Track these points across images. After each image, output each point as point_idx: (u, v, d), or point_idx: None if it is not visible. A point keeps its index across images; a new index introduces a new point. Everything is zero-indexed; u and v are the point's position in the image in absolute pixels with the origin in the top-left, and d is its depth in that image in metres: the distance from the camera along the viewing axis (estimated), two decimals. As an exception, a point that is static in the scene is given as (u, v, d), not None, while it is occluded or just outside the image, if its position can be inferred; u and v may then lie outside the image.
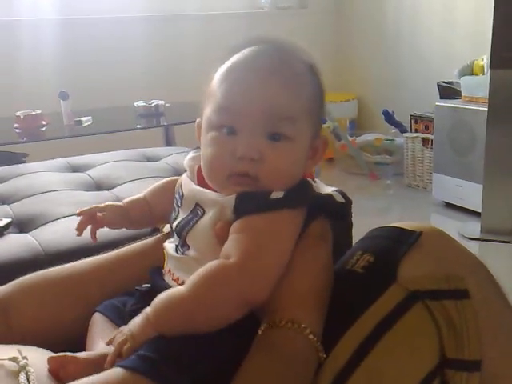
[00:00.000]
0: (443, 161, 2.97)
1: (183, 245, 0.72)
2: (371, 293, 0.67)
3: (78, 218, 0.83)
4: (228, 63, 0.71)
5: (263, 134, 0.67)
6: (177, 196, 0.77)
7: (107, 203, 0.84)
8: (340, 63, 4.08)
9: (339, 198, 0.70)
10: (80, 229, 0.82)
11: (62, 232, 1.27)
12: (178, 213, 0.75)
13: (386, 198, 3.32)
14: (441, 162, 2.99)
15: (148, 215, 0.84)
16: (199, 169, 0.74)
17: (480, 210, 2.65)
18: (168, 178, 0.85)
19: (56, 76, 3.08)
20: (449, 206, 2.99)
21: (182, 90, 3.09)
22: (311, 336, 0.63)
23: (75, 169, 1.83)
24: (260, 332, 0.64)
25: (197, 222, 0.71)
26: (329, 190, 0.72)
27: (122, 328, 0.66)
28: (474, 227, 2.64)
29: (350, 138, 3.65)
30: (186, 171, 0.78)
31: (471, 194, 2.81)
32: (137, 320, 0.64)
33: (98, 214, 0.82)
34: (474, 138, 2.77)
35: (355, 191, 3.21)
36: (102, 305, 0.77)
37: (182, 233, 0.72)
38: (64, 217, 1.36)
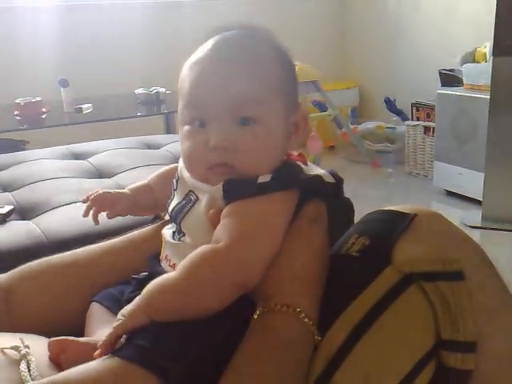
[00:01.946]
0: (444, 149, 2.97)
1: (179, 231, 0.72)
2: (366, 275, 0.66)
3: (82, 206, 0.83)
4: (193, 57, 0.72)
5: (232, 121, 0.68)
6: (174, 181, 0.77)
7: (117, 191, 0.85)
8: (341, 51, 4.06)
9: (328, 179, 0.70)
10: (86, 214, 0.84)
11: (64, 219, 1.27)
12: (174, 196, 0.76)
13: (388, 186, 3.31)
14: (442, 150, 2.99)
15: (153, 201, 0.85)
16: None
17: (481, 199, 2.65)
18: (171, 165, 0.85)
19: (56, 63, 3.06)
20: (450, 194, 2.99)
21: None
22: (306, 319, 0.63)
23: (76, 156, 1.83)
24: (255, 316, 0.64)
25: (191, 208, 0.71)
26: (319, 171, 0.72)
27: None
28: (475, 215, 2.64)
29: (352, 126, 3.64)
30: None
31: (472, 182, 2.80)
32: (129, 306, 0.65)
33: (107, 214, 0.83)
34: (475, 126, 2.76)
35: (356, 179, 3.21)
36: (100, 294, 0.77)
37: (176, 219, 0.73)
38: (66, 204, 1.36)
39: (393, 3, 3.79)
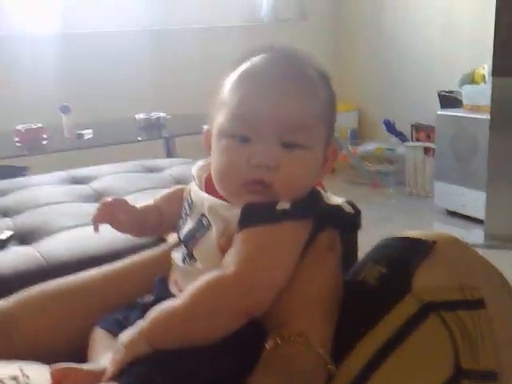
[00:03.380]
0: (445, 169, 2.97)
1: (190, 256, 0.71)
2: (384, 304, 0.65)
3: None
4: (240, 71, 0.70)
5: (278, 143, 0.67)
6: (185, 204, 0.76)
7: (132, 204, 0.80)
8: (340, 74, 4.08)
9: (348, 209, 0.69)
10: (97, 224, 0.77)
11: (64, 243, 1.26)
12: (186, 221, 0.74)
13: (389, 206, 3.30)
14: (443, 170, 2.99)
15: (159, 223, 0.82)
16: (207, 178, 0.73)
17: (483, 217, 2.65)
18: (177, 186, 0.84)
19: (57, 89, 3.08)
20: (451, 213, 2.99)
21: (183, 103, 3.10)
22: (321, 350, 0.62)
23: (77, 181, 1.82)
24: (267, 346, 0.63)
25: (203, 235, 0.70)
26: (338, 200, 0.71)
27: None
28: (477, 235, 2.63)
29: (351, 148, 3.65)
30: (193, 180, 0.77)
31: (473, 201, 2.80)
32: (130, 332, 0.63)
33: (122, 216, 0.78)
34: (475, 146, 2.77)
35: (357, 201, 3.12)
36: (103, 319, 0.75)
37: (188, 244, 0.71)
38: (66, 228, 1.34)
39: (391, 26, 3.83)
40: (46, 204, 1.53)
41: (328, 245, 0.68)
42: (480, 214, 2.70)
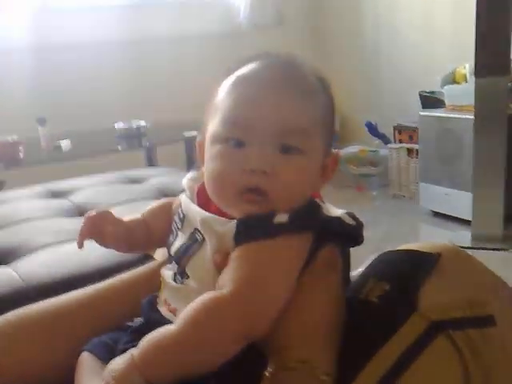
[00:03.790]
0: (430, 170, 2.95)
1: (182, 273, 0.67)
2: (390, 324, 0.62)
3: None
4: (235, 76, 0.67)
5: (275, 147, 0.63)
6: (176, 218, 0.72)
7: (120, 217, 0.76)
8: (328, 81, 4.06)
9: (349, 221, 0.65)
10: (82, 239, 0.73)
11: (44, 263, 1.20)
12: (177, 236, 0.70)
13: (373, 209, 3.28)
14: (427, 172, 2.97)
15: (147, 238, 0.77)
16: (199, 189, 0.70)
17: (469, 218, 2.63)
18: (165, 199, 0.80)
19: (33, 101, 3.01)
20: (437, 215, 2.97)
21: (162, 111, 3.05)
22: (324, 377, 0.58)
23: (56, 195, 1.76)
24: (268, 374, 0.58)
25: (196, 250, 0.66)
26: (338, 212, 0.67)
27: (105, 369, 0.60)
28: (464, 236, 2.62)
29: (334, 151, 3.62)
30: (184, 191, 0.73)
31: (459, 202, 2.79)
32: (120, 362, 0.59)
33: (108, 228, 0.73)
34: (460, 146, 2.75)
35: (341, 203, 3.08)
36: (91, 343, 0.71)
37: (181, 260, 0.68)
38: (46, 246, 1.28)
39: (370, 27, 3.82)
40: (24, 220, 1.47)
41: (329, 262, 0.64)
42: (466, 215, 2.68)
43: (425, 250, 0.66)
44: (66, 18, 3.26)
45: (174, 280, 0.68)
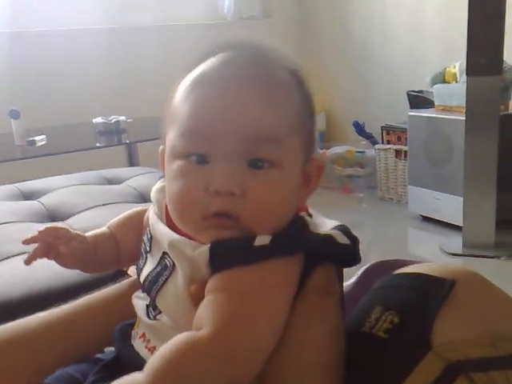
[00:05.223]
0: (419, 173, 2.87)
1: (154, 307, 0.58)
2: (402, 365, 0.52)
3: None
4: (193, 74, 0.57)
5: (243, 161, 0.53)
6: (145, 238, 0.62)
7: (77, 232, 0.66)
8: (306, 75, 3.98)
9: (342, 239, 0.55)
10: (31, 260, 0.63)
11: (7, 276, 1.08)
12: (146, 260, 0.61)
13: (360, 212, 3.21)
14: (416, 174, 2.89)
15: (115, 254, 0.67)
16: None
17: (460, 224, 2.56)
18: (136, 208, 0.70)
19: (5, 92, 2.88)
20: (426, 219, 2.89)
21: (144, 105, 2.93)
22: None
23: (26, 196, 1.64)
24: None
25: (167, 279, 0.56)
26: (328, 224, 0.58)
27: None
28: (455, 242, 2.54)
29: (320, 151, 3.54)
30: (153, 206, 0.63)
31: (450, 206, 2.71)
32: None
33: (62, 247, 0.63)
34: (450, 148, 2.68)
35: (327, 206, 3.07)
36: (54, 375, 0.61)
37: (150, 291, 0.58)
38: (10, 256, 1.17)
39: (358, 25, 3.75)
40: (-12, 226, 1.36)
41: (323, 288, 0.55)
42: (457, 219, 2.60)
43: (436, 274, 0.57)
44: (44, 2, 3.14)
45: (147, 314, 0.59)
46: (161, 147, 0.61)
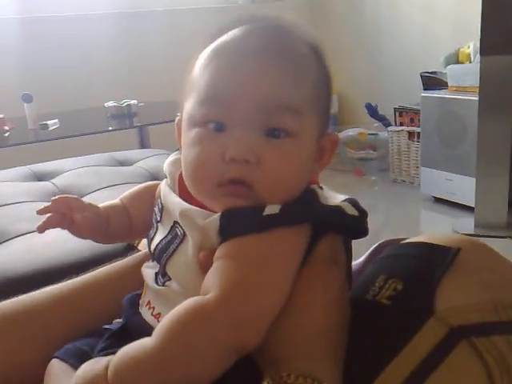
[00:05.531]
0: (431, 154, 2.86)
1: (163, 274, 0.58)
2: (404, 330, 0.53)
3: (42, 236, 0.67)
4: (212, 46, 0.57)
5: (260, 130, 0.54)
6: (156, 209, 0.63)
7: (90, 202, 0.67)
8: (324, 50, 3.96)
9: (351, 210, 0.55)
10: (44, 228, 0.64)
11: (20, 253, 1.10)
12: (157, 230, 0.61)
13: (372, 194, 3.20)
14: (429, 156, 2.88)
15: (127, 226, 0.68)
16: (181, 176, 0.60)
17: (472, 205, 2.55)
18: (149, 182, 0.71)
19: (18, 77, 2.90)
20: (438, 200, 2.88)
21: (155, 89, 2.94)
22: None
23: (39, 177, 1.66)
24: None
25: (177, 247, 0.57)
26: (338, 198, 0.58)
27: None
28: (467, 222, 2.53)
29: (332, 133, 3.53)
30: (166, 178, 0.64)
31: (462, 187, 2.70)
32: (90, 369, 0.50)
33: (77, 216, 0.64)
34: (463, 129, 2.66)
35: (340, 189, 3.02)
36: (63, 349, 0.62)
37: (160, 259, 0.59)
38: (22, 234, 1.18)
39: (370, 6, 3.71)
40: (2, 205, 1.37)
41: (329, 257, 0.55)
42: (469, 201, 2.59)
43: (441, 243, 0.57)
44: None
45: (156, 281, 0.60)
46: (177, 118, 0.62)
